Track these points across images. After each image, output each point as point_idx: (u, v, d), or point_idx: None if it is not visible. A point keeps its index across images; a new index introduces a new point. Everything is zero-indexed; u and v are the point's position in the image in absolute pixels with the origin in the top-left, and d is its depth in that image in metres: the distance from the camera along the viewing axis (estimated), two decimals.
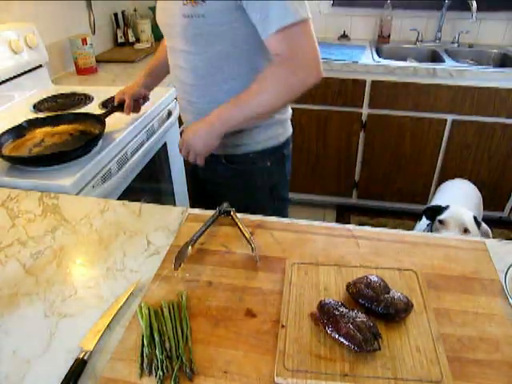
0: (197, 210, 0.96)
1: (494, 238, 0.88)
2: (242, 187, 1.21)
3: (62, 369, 0.60)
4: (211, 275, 0.77)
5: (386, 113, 2.24)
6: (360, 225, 0.91)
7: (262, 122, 1.11)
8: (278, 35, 0.89)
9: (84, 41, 1.95)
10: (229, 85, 1.05)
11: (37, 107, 1.55)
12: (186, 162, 1.21)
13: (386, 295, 0.67)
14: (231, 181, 1.21)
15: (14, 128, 1.26)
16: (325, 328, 0.64)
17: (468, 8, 2.32)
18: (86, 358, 0.61)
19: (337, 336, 0.62)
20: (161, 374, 0.58)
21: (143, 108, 1.46)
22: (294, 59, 0.91)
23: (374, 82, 2.15)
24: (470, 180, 2.00)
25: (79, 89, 1.74)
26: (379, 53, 2.39)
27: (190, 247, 0.81)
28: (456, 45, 2.50)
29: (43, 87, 1.76)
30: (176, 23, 1.00)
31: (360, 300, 0.68)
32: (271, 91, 0.96)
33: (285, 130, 1.20)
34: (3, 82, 1.59)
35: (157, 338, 0.63)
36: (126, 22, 2.45)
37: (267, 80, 0.96)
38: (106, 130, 1.27)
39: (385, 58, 2.25)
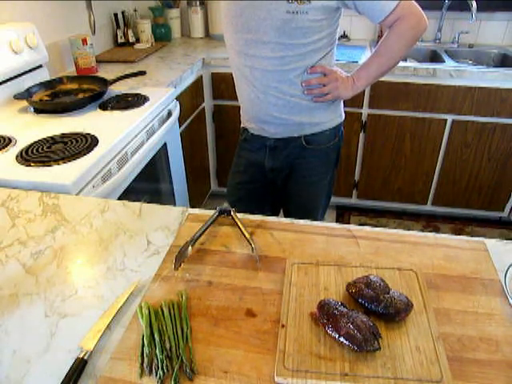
0: (197, 210, 0.96)
1: (493, 238, 0.88)
2: (318, 165, 1.39)
3: (62, 368, 0.60)
4: (211, 275, 0.77)
5: (386, 113, 2.24)
6: (360, 225, 0.91)
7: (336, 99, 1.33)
8: (399, 5, 1.12)
9: (84, 41, 1.94)
10: (303, 70, 1.22)
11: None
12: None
13: (386, 295, 0.67)
14: (308, 161, 1.38)
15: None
16: (325, 328, 0.64)
17: (468, 8, 2.32)
18: (86, 357, 0.61)
19: (337, 336, 0.62)
20: (161, 373, 0.58)
21: (143, 108, 1.46)
22: (414, 13, 1.15)
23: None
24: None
25: None
26: None
27: (190, 247, 0.81)
28: (456, 45, 2.50)
29: None
30: (275, 18, 1.12)
31: (360, 300, 0.68)
32: (406, 41, 1.19)
33: (341, 107, 1.41)
34: (3, 81, 1.59)
35: (157, 338, 0.63)
36: (126, 22, 2.45)
37: (401, 34, 1.17)
38: (106, 131, 1.30)
39: None
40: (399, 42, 1.19)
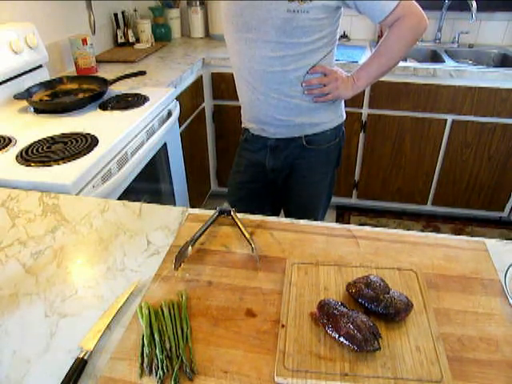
0: (197, 210, 0.96)
1: (493, 238, 0.88)
2: (319, 165, 1.40)
3: (62, 369, 0.60)
4: (211, 275, 0.77)
5: (386, 113, 2.24)
6: (360, 225, 0.91)
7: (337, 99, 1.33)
8: (399, 4, 1.12)
9: (84, 41, 1.94)
10: (304, 71, 1.22)
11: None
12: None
13: (386, 295, 0.67)
14: (308, 161, 1.38)
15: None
16: (325, 328, 0.64)
17: (468, 8, 2.32)
18: (86, 357, 0.61)
19: (337, 336, 0.62)
20: (161, 373, 0.58)
21: (143, 108, 1.46)
22: (415, 13, 1.15)
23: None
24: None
25: None
26: None
27: (190, 247, 0.81)
28: (456, 45, 2.50)
29: None
30: (276, 17, 1.12)
31: (360, 300, 0.68)
32: (407, 41, 1.19)
33: (342, 107, 1.41)
34: (3, 81, 1.59)
35: (157, 338, 0.63)
36: (126, 22, 2.45)
37: (401, 34, 1.17)
38: (106, 131, 1.30)
39: None
40: (399, 41, 1.19)
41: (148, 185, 1.61)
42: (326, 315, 0.64)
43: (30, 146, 1.24)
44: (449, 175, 2.35)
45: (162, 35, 2.59)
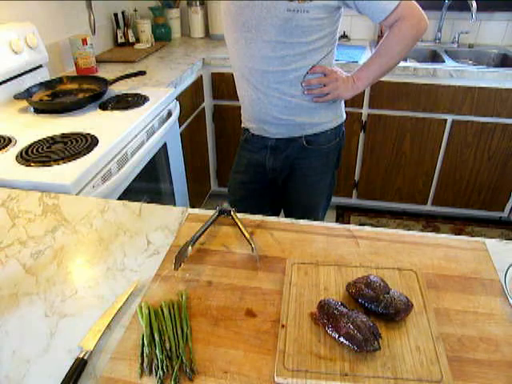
0: (197, 210, 0.96)
1: (493, 238, 0.88)
2: (319, 166, 1.40)
3: (62, 369, 0.60)
4: (211, 275, 0.77)
5: (386, 113, 2.24)
6: (360, 225, 0.91)
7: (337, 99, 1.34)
8: (399, 5, 1.13)
9: (84, 41, 1.94)
10: (304, 70, 1.22)
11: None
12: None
13: (386, 295, 0.67)
14: (308, 161, 1.38)
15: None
16: (325, 328, 0.64)
17: (468, 8, 2.32)
18: (86, 357, 0.61)
19: (337, 336, 0.62)
20: (161, 373, 0.58)
21: (143, 108, 1.46)
22: (415, 13, 1.15)
23: None
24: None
25: None
26: None
27: (190, 247, 0.81)
28: (456, 45, 2.50)
29: None
30: (275, 16, 1.12)
31: (360, 300, 0.68)
32: (407, 41, 1.19)
33: (342, 107, 1.41)
34: (3, 81, 1.59)
35: (157, 338, 0.63)
36: (126, 22, 2.45)
37: (401, 35, 1.18)
38: (106, 131, 1.31)
39: None
40: (399, 42, 1.19)
41: (148, 185, 1.61)
42: (325, 315, 0.64)
43: (30, 146, 1.24)
44: (449, 175, 2.35)
45: (161, 35, 2.59)
